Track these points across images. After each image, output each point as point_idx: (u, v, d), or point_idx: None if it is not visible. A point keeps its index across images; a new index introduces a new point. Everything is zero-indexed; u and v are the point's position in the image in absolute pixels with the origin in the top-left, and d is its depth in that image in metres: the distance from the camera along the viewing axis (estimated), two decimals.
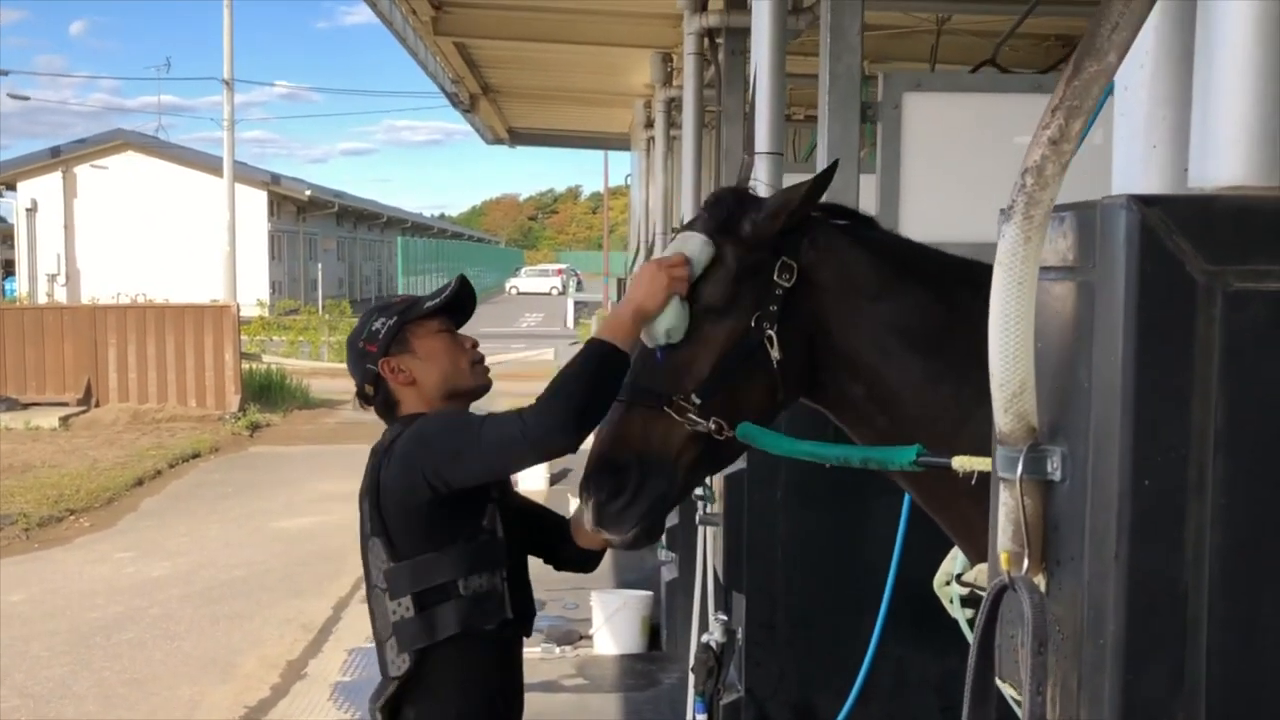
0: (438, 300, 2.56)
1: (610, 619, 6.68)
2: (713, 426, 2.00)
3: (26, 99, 37.90)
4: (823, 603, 3.73)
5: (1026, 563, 1.13)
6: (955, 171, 3.75)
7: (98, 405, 15.97)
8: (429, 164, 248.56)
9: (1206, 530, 0.99)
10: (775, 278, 2.02)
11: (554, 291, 53.88)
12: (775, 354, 2.02)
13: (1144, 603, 0.99)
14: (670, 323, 2.04)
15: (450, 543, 2.36)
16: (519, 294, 57.44)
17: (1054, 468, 1.12)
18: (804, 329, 2.05)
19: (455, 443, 2.31)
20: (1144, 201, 0.98)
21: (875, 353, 2.06)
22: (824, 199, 2.13)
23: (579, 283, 51.55)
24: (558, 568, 2.69)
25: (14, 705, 6.00)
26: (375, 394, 2.54)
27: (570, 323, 32.45)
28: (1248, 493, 0.98)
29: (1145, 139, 1.16)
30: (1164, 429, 0.98)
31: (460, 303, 2.61)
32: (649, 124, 10.71)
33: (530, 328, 35.06)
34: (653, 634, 6.84)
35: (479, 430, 2.27)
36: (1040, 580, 1.16)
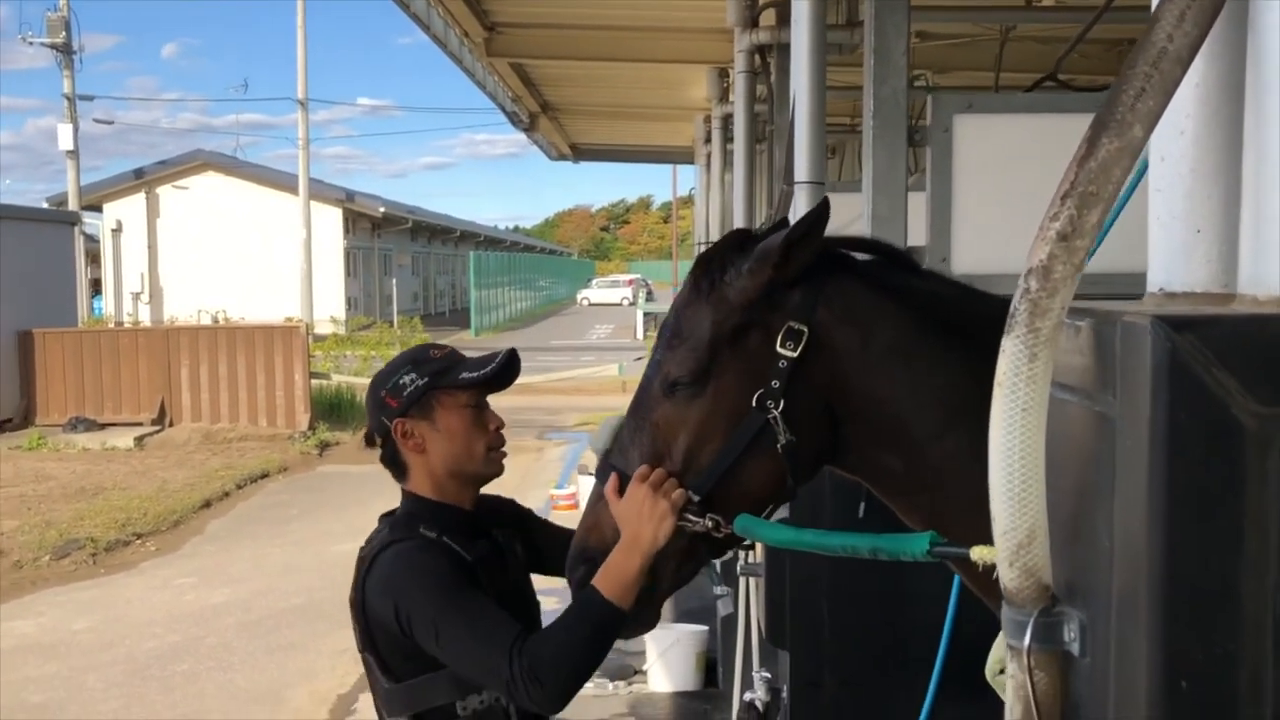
0: (475, 374, 2.32)
1: (664, 654, 6.48)
2: (709, 524, 1.75)
3: (111, 123, 39.01)
4: (871, 661, 3.49)
5: None
6: (1011, 198, 3.48)
7: (171, 425, 16.21)
8: (507, 177, 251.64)
9: None
10: (778, 346, 1.71)
11: (625, 302, 53.78)
12: (782, 438, 1.72)
13: None
14: None
15: (444, 664, 2.19)
16: (590, 305, 57.49)
17: (1071, 637, 0.90)
18: (822, 401, 1.74)
19: (439, 624, 2.14)
20: (1174, 325, 0.76)
21: (914, 424, 1.74)
22: (864, 231, 1.84)
23: (649, 293, 51.47)
24: None
25: None
26: (383, 446, 2.39)
27: (640, 334, 32.32)
28: None
29: (1186, 222, 0.94)
30: (1206, 619, 0.76)
31: (502, 375, 2.36)
32: (708, 139, 10.52)
33: (600, 339, 35.01)
34: (709, 669, 6.63)
35: (466, 633, 2.11)
36: None
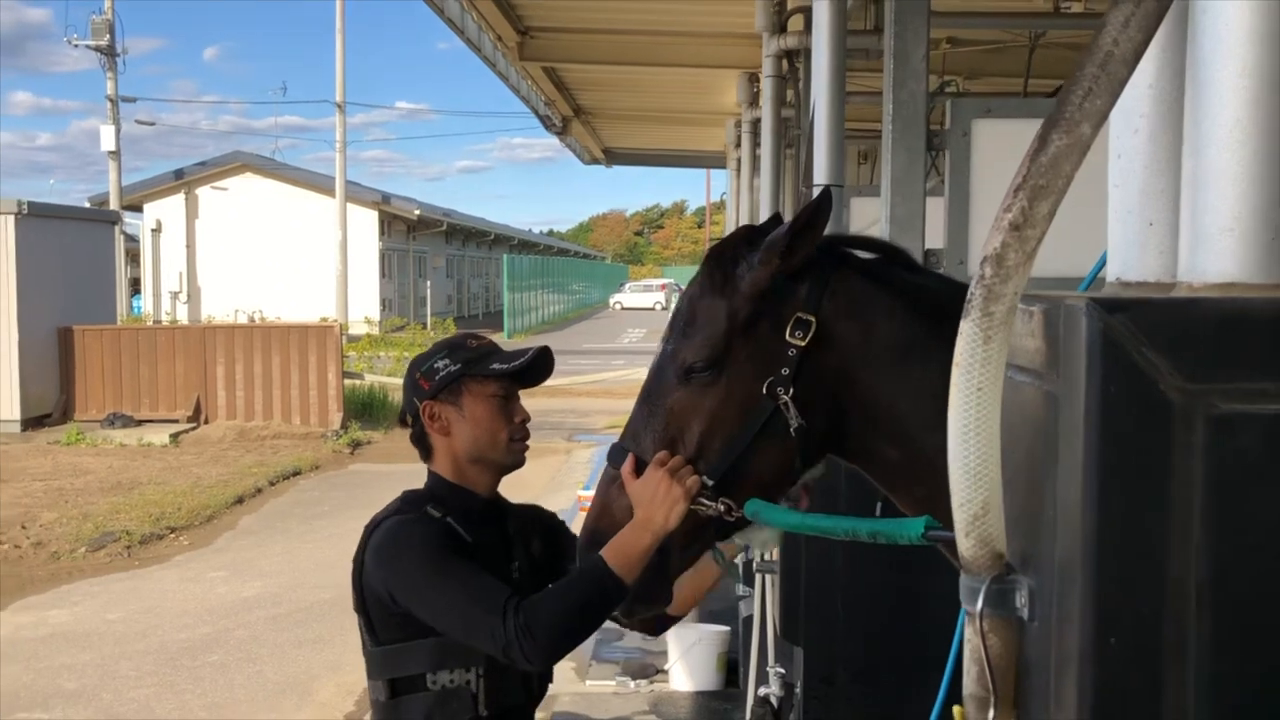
0: (506, 366, 2.43)
1: (685, 654, 6.53)
2: (722, 509, 1.81)
3: (152, 125, 39.59)
4: (884, 657, 3.53)
5: (993, 712, 0.98)
6: None
7: (206, 422, 16.45)
8: (542, 181, 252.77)
9: (1191, 705, 0.82)
10: (788, 336, 1.79)
11: (657, 307, 53.93)
12: (794, 422, 1.80)
13: None
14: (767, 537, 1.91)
15: (423, 635, 2.28)
16: (623, 309, 57.64)
17: (1022, 603, 0.96)
18: (827, 389, 1.82)
19: (429, 588, 2.22)
20: (1107, 307, 0.82)
21: (909, 416, 1.80)
22: (866, 233, 1.90)
23: None
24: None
25: None
26: (413, 425, 2.49)
27: None
28: (1241, 660, 0.81)
29: (1141, 215, 1.00)
30: (1134, 580, 0.81)
31: (533, 370, 2.46)
32: (738, 144, 10.57)
33: (632, 343, 35.09)
34: (730, 670, 6.67)
35: (458, 594, 2.19)
36: None
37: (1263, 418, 0.80)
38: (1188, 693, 0.82)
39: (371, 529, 2.38)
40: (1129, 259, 1.01)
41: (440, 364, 2.42)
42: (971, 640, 0.98)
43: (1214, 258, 0.87)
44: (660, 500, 1.82)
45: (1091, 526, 0.82)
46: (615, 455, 1.91)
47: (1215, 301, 0.83)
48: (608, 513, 1.91)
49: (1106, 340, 0.81)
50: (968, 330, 0.94)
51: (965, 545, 0.97)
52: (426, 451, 2.48)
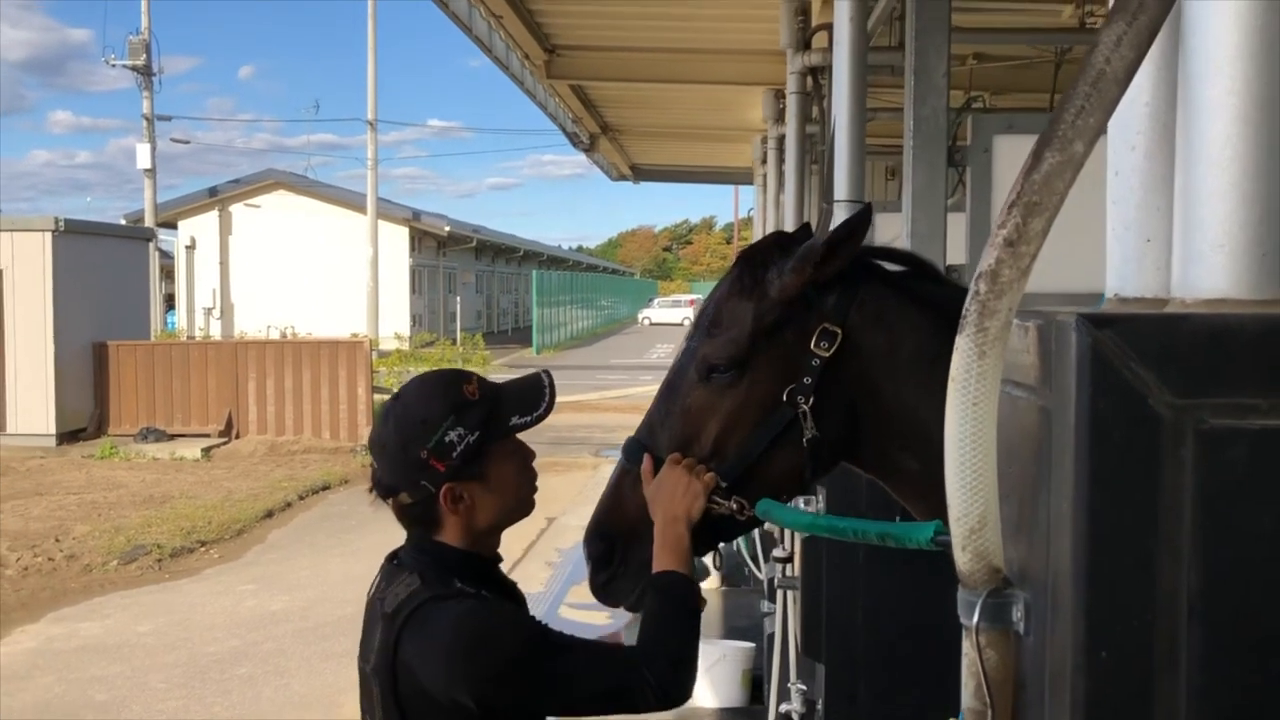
0: (529, 417, 2.04)
1: (710, 670, 6.51)
2: (734, 507, 1.84)
3: (187, 143, 40.11)
4: (906, 674, 3.52)
5: None
6: None
7: (238, 437, 16.60)
8: (571, 197, 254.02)
9: (1181, 716, 0.82)
10: (813, 345, 1.80)
11: (685, 322, 53.94)
12: (809, 432, 1.81)
13: None
14: None
15: None
16: (651, 325, 57.73)
17: (1018, 617, 0.97)
18: (847, 400, 1.83)
19: (551, 677, 1.91)
20: (1095, 322, 0.83)
21: (932, 426, 1.84)
22: (895, 244, 1.91)
23: None
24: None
25: None
26: (412, 504, 2.03)
27: None
28: (1230, 671, 0.81)
29: (1138, 231, 1.00)
30: (1124, 592, 0.82)
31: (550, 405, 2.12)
32: (765, 160, 10.60)
33: (659, 359, 35.10)
34: (755, 686, 6.65)
35: (585, 673, 1.92)
36: None
37: (1251, 432, 0.81)
38: (1178, 705, 0.82)
39: (400, 621, 1.94)
40: (1127, 274, 1.02)
41: (453, 436, 1.98)
42: (969, 654, 0.99)
43: (1206, 274, 0.87)
44: (681, 494, 1.84)
45: (1082, 540, 0.83)
46: (631, 450, 1.92)
47: (1204, 317, 0.83)
48: (619, 506, 1.92)
49: (1096, 355, 0.82)
50: (963, 345, 0.95)
51: (962, 559, 0.98)
52: (430, 527, 2.06)
